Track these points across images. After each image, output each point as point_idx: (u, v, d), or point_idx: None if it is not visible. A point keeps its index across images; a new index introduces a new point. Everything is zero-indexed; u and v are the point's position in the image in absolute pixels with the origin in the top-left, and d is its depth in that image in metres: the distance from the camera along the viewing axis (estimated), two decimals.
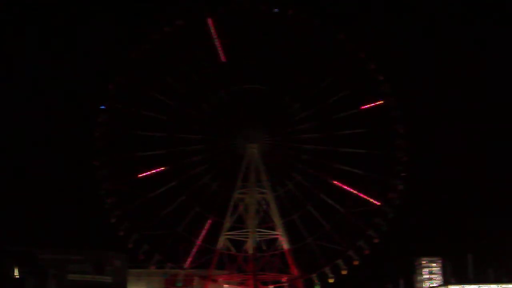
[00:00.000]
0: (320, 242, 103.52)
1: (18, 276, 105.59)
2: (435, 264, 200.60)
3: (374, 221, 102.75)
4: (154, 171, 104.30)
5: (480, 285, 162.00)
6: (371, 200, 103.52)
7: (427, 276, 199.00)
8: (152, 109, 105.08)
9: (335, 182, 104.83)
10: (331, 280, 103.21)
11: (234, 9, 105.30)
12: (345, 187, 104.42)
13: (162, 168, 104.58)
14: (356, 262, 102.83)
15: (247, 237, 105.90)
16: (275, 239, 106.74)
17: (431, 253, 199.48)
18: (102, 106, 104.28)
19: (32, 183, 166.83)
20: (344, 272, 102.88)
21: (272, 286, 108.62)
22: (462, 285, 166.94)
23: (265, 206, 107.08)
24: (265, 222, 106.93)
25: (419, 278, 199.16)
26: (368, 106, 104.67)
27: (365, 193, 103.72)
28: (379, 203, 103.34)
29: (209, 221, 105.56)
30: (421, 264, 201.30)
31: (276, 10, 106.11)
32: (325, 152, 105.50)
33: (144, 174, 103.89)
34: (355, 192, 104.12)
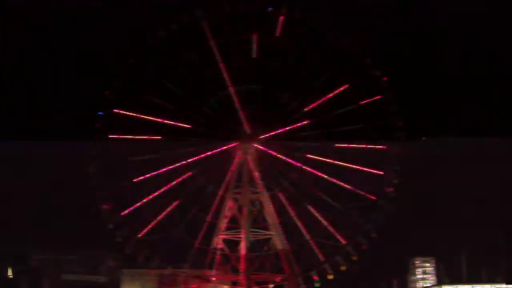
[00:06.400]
0: (318, 239, 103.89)
1: (11, 276, 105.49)
2: (428, 264, 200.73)
3: (371, 216, 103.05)
4: (149, 175, 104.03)
5: (474, 285, 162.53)
6: (367, 195, 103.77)
7: (421, 276, 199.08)
8: (149, 112, 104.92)
9: (330, 178, 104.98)
10: (330, 277, 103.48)
11: (228, 10, 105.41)
12: (341, 183, 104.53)
13: (157, 172, 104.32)
14: (354, 258, 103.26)
15: (241, 237, 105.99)
16: (270, 239, 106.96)
17: (425, 253, 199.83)
18: (99, 112, 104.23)
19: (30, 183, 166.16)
20: (343, 268, 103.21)
21: (272, 285, 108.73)
22: (456, 285, 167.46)
23: (259, 206, 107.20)
24: (259, 222, 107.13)
25: (412, 278, 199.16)
26: (365, 101, 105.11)
27: (360, 188, 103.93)
28: (375, 198, 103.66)
29: (206, 223, 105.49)
30: (414, 264, 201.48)
31: (270, 9, 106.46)
32: (319, 148, 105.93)
33: (140, 178, 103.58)
34: (350, 187, 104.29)
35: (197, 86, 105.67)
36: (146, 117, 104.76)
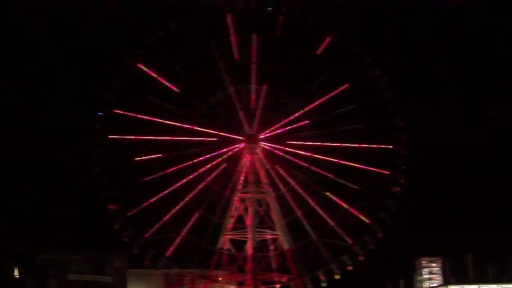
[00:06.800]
0: (325, 239, 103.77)
1: (18, 276, 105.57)
2: (435, 264, 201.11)
3: (377, 216, 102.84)
4: (155, 175, 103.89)
5: (480, 285, 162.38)
6: (373, 194, 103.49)
7: (427, 276, 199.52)
8: (150, 113, 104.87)
9: (336, 178, 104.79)
10: (337, 277, 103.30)
11: (227, 10, 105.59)
12: (347, 182, 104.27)
13: (164, 172, 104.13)
14: (361, 258, 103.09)
15: (247, 237, 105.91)
16: (276, 239, 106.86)
17: (431, 253, 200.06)
18: (100, 112, 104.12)
19: (32, 183, 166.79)
20: (349, 268, 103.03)
21: (278, 285, 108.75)
22: (462, 285, 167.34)
23: (265, 206, 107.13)
24: (265, 222, 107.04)
25: (419, 278, 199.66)
26: (365, 101, 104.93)
27: (366, 188, 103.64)
28: (381, 197, 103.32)
29: (213, 223, 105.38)
30: (421, 264, 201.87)
31: (269, 8, 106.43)
32: (325, 148, 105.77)
33: (147, 178, 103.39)
34: (357, 187, 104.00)
35: (197, 86, 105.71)
36: (146, 117, 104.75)
